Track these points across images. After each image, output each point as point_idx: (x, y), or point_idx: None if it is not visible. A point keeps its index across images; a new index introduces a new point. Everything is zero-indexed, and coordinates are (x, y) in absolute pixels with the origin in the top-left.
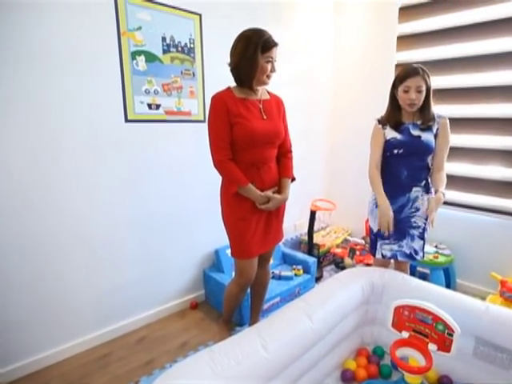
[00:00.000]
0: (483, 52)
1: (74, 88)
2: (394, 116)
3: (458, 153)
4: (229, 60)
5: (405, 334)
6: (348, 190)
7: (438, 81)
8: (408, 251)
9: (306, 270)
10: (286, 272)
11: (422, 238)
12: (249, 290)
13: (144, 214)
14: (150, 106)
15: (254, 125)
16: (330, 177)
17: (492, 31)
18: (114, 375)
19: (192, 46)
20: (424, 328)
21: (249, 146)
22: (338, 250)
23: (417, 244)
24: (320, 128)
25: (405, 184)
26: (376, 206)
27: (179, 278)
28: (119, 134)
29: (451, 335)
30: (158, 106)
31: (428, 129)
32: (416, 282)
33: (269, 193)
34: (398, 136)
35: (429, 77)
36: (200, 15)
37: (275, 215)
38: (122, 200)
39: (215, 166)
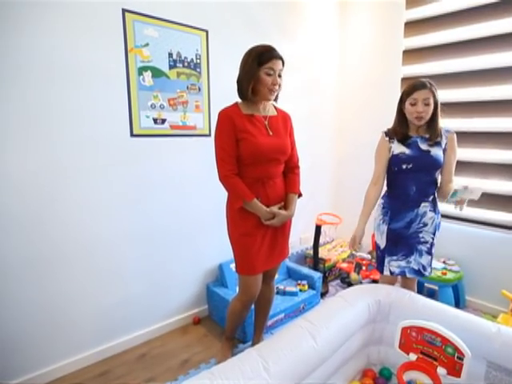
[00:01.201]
0: (488, 66)
1: (81, 103)
2: (401, 129)
3: (465, 167)
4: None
5: (412, 357)
6: (354, 204)
7: (443, 94)
8: (416, 267)
9: (311, 286)
10: (291, 287)
11: (429, 253)
12: (253, 307)
13: (148, 227)
14: (155, 120)
15: (260, 141)
16: (336, 190)
17: (497, 45)
18: None
19: (198, 61)
20: (433, 350)
21: (254, 162)
22: (344, 265)
23: (425, 260)
24: (326, 141)
25: (414, 200)
26: (382, 222)
27: (182, 292)
28: (124, 149)
29: (461, 359)
30: (163, 121)
31: (437, 144)
32: (423, 300)
33: (274, 208)
34: (407, 151)
35: (436, 91)
36: (207, 31)
37: (281, 231)
38: (126, 214)
39: (221, 180)
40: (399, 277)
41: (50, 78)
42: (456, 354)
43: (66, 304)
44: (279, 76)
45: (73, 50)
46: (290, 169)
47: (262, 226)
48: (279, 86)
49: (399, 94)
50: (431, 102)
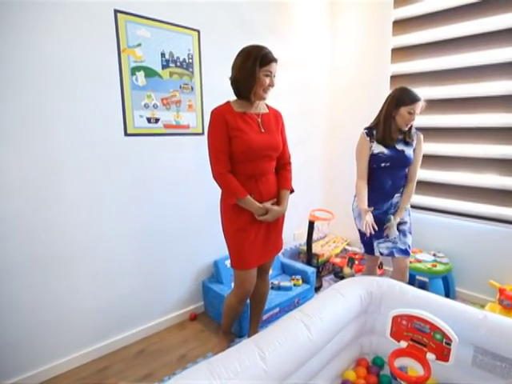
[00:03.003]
0: (477, 63)
1: (75, 103)
2: (389, 134)
3: (455, 162)
4: (230, 74)
5: (403, 344)
6: (346, 200)
7: (433, 91)
8: (403, 247)
9: (305, 280)
10: (285, 282)
11: (410, 232)
12: (248, 301)
13: (143, 225)
14: (149, 119)
15: (252, 138)
16: (328, 186)
17: (484, 43)
18: None
19: (191, 61)
20: (422, 337)
21: (247, 159)
22: (337, 260)
23: (409, 239)
24: (317, 139)
25: (389, 192)
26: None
27: (178, 289)
28: (119, 148)
29: (449, 344)
30: (157, 120)
31: (409, 144)
32: (414, 290)
33: (267, 204)
34: (386, 151)
35: None
36: (198, 31)
37: (274, 226)
38: (121, 212)
39: (214, 178)
40: (393, 263)
41: (43, 79)
42: (444, 340)
43: (63, 303)
44: (274, 76)
45: (66, 51)
46: (282, 165)
47: (256, 222)
48: (275, 85)
49: (388, 93)
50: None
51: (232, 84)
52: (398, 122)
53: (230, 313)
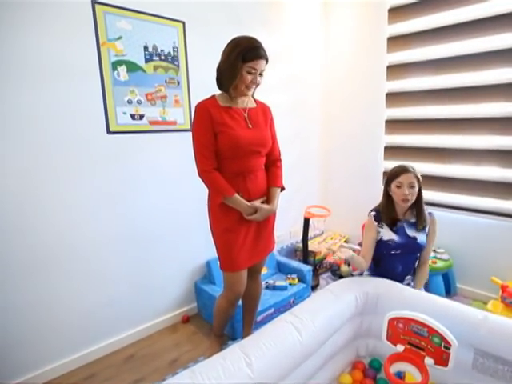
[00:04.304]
0: (476, 50)
1: (53, 100)
2: (388, 212)
3: (454, 154)
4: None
5: (400, 348)
6: (343, 195)
7: (432, 81)
8: None
9: (302, 279)
10: (281, 282)
11: None
12: (241, 302)
13: (131, 226)
14: (133, 116)
15: (239, 133)
16: (325, 182)
17: (484, 29)
18: None
19: (176, 54)
20: (420, 341)
21: (234, 155)
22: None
23: None
24: (312, 133)
25: (399, 276)
26: None
27: (170, 291)
28: (101, 146)
29: (448, 348)
30: (141, 116)
31: (422, 229)
32: (411, 291)
33: (256, 203)
34: (395, 238)
35: (419, 177)
36: (183, 23)
37: (264, 225)
38: (106, 213)
39: (200, 175)
40: None
41: (19, 76)
42: (443, 344)
43: (47, 308)
44: (260, 75)
45: (41, 46)
46: (272, 162)
47: (245, 221)
48: (260, 83)
49: (385, 83)
50: (416, 185)
51: (217, 72)
52: (395, 199)
53: (220, 315)
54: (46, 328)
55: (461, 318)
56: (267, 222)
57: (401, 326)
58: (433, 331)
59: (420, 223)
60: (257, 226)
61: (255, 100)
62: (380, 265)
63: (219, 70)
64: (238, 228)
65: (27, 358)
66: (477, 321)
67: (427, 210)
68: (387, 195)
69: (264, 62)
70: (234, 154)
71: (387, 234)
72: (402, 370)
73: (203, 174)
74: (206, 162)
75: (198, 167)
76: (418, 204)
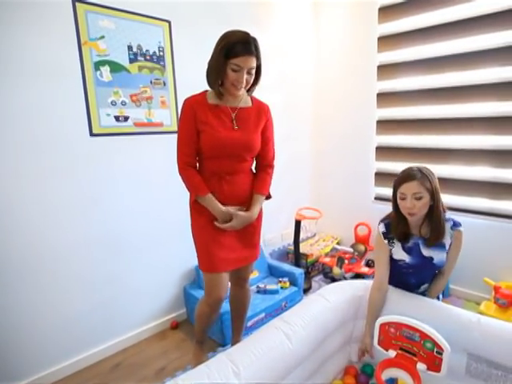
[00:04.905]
0: (467, 49)
1: (33, 101)
2: (399, 227)
3: (446, 154)
4: None
5: (391, 353)
6: (335, 196)
7: (423, 81)
8: None
9: (293, 282)
10: (272, 285)
11: None
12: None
13: (115, 232)
14: (117, 118)
15: (221, 134)
16: (316, 183)
17: (474, 28)
18: None
19: (162, 54)
20: (412, 346)
21: (214, 156)
22: (327, 259)
23: None
24: (304, 134)
25: (413, 286)
26: None
27: (158, 296)
28: (84, 149)
29: (440, 354)
30: (126, 118)
31: (440, 246)
32: (404, 294)
33: (231, 209)
34: (407, 258)
35: (431, 180)
36: (169, 22)
37: (251, 232)
38: (90, 216)
39: (178, 171)
40: None
41: None
42: (435, 349)
43: (26, 317)
44: (248, 73)
45: (20, 45)
46: (263, 167)
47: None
48: (249, 82)
49: (375, 83)
50: (424, 195)
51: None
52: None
53: (201, 321)
54: (28, 336)
55: (453, 322)
56: (253, 229)
57: (392, 330)
58: (425, 336)
59: (431, 240)
60: (242, 230)
61: (253, 99)
62: (392, 277)
63: (207, 66)
64: (217, 227)
65: (10, 368)
66: (470, 324)
67: (450, 221)
68: (397, 206)
69: (253, 58)
70: (214, 154)
71: (398, 254)
72: (394, 376)
73: (180, 170)
74: (184, 158)
75: (177, 163)
76: (432, 217)
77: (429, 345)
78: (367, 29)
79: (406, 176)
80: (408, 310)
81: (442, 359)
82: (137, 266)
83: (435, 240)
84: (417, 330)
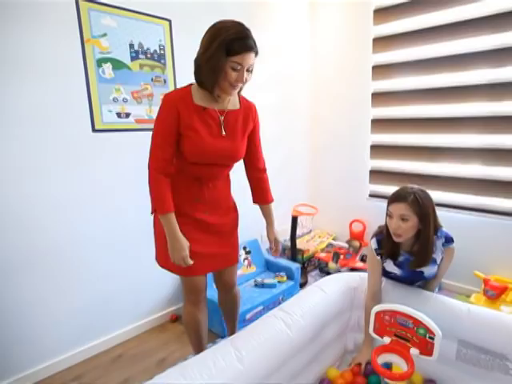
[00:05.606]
0: (459, 51)
1: (37, 98)
2: (388, 245)
3: (438, 153)
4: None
5: (386, 340)
6: (331, 193)
7: (416, 81)
8: None
9: (290, 277)
10: (269, 279)
11: None
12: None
13: (116, 226)
14: (119, 114)
15: (207, 142)
16: (313, 181)
17: (466, 30)
18: None
19: (162, 52)
20: (405, 332)
21: (197, 163)
22: (323, 255)
23: None
24: (300, 132)
25: (406, 283)
26: None
27: (158, 290)
28: (87, 145)
29: (432, 338)
30: (127, 115)
31: (432, 261)
32: (397, 285)
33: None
34: (398, 272)
35: (422, 205)
36: (170, 21)
37: (226, 233)
38: (93, 212)
39: (148, 173)
40: None
41: (2, 73)
42: (427, 334)
43: (32, 309)
44: (248, 71)
45: (24, 43)
46: (259, 172)
47: (199, 212)
48: (247, 81)
49: (370, 83)
50: (411, 218)
51: (194, 64)
52: None
53: (192, 328)
54: (31, 329)
55: (445, 311)
56: (229, 232)
57: (387, 318)
58: (417, 323)
59: (414, 264)
60: (215, 231)
61: (241, 99)
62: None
63: (197, 63)
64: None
65: (12, 359)
66: (460, 313)
67: (442, 238)
68: (387, 225)
69: (252, 55)
70: (197, 161)
71: (390, 267)
72: (389, 360)
73: (149, 176)
74: (155, 164)
75: (149, 164)
76: (419, 241)
77: (421, 331)
78: (362, 30)
79: (397, 196)
80: (402, 300)
81: (433, 344)
82: (137, 260)
83: (417, 266)
84: (410, 317)
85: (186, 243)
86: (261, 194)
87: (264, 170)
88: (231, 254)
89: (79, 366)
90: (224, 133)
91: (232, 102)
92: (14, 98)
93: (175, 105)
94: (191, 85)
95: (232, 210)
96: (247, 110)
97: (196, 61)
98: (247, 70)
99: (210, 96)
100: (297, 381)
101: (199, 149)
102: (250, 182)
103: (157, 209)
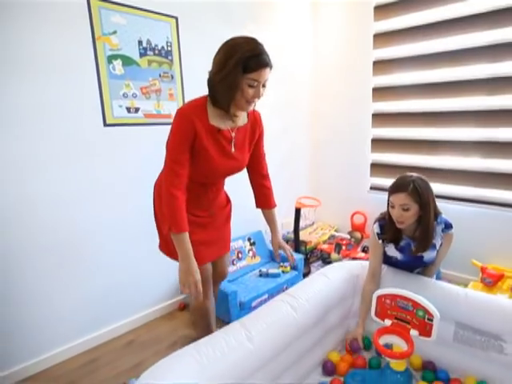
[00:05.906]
0: (459, 47)
1: (50, 94)
2: (391, 231)
3: (438, 146)
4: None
5: (387, 322)
6: (333, 186)
7: (416, 76)
8: None
9: (294, 267)
10: (274, 269)
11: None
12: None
13: (127, 216)
14: (128, 109)
15: (217, 162)
16: (315, 174)
17: (466, 26)
18: (102, 379)
19: (169, 48)
20: (405, 315)
21: (205, 176)
22: (325, 246)
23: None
24: (302, 127)
25: (406, 270)
26: None
27: (167, 279)
28: (99, 138)
29: (431, 320)
30: (136, 110)
31: (432, 246)
32: (398, 272)
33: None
34: (399, 256)
35: (421, 194)
36: (176, 18)
37: (224, 222)
38: (105, 204)
39: (164, 192)
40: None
41: (17, 71)
42: (426, 316)
43: (50, 296)
44: (263, 86)
45: (39, 40)
46: (263, 178)
47: (203, 209)
48: (262, 95)
49: (371, 78)
50: (412, 207)
51: (208, 84)
52: None
53: (201, 318)
54: (48, 316)
55: (444, 295)
56: (223, 216)
57: (388, 302)
58: (417, 305)
59: (417, 249)
60: (214, 222)
61: (248, 113)
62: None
63: (211, 83)
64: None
65: (30, 343)
66: (458, 297)
67: (442, 224)
68: (389, 212)
69: (268, 69)
70: (204, 176)
71: (391, 251)
72: (390, 342)
73: (167, 193)
74: (175, 180)
75: (164, 182)
76: (421, 226)
77: (420, 313)
78: (363, 26)
79: (397, 186)
80: (402, 285)
81: (432, 325)
82: (150, 249)
83: (419, 251)
84: (410, 300)
85: (196, 266)
86: (264, 200)
87: (267, 176)
88: (226, 241)
89: (93, 350)
90: (233, 149)
91: (243, 118)
92: (29, 94)
93: (192, 120)
94: (205, 99)
95: (227, 203)
96: (253, 121)
97: (210, 81)
98: (263, 86)
99: (224, 115)
100: (302, 362)
101: (208, 167)
102: (253, 187)
103: (171, 227)
